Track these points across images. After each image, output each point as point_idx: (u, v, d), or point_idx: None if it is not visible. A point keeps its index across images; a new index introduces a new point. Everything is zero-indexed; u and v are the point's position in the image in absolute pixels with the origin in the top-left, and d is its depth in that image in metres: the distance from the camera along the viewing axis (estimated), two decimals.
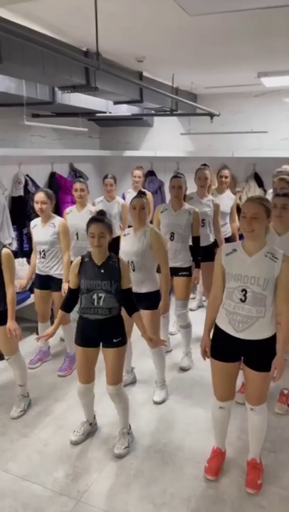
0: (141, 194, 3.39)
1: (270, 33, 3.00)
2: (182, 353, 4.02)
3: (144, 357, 3.72)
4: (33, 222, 3.83)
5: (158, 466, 2.75)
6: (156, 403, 3.39)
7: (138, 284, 3.19)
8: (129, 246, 3.23)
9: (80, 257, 2.79)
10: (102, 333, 2.75)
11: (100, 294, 2.67)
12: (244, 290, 2.29)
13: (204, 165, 4.50)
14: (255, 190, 5.65)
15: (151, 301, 3.26)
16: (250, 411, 2.51)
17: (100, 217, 2.76)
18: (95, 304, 2.68)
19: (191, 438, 3.00)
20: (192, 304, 5.16)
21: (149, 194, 5.35)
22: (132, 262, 3.19)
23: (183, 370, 3.91)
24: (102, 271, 2.69)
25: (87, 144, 6.32)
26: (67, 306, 2.88)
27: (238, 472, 2.67)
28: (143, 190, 4.24)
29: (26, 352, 3.84)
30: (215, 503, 2.45)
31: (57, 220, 3.75)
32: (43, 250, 3.73)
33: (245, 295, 2.29)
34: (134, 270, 3.19)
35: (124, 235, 3.32)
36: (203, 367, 3.82)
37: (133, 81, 3.13)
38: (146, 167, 6.21)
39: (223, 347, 2.44)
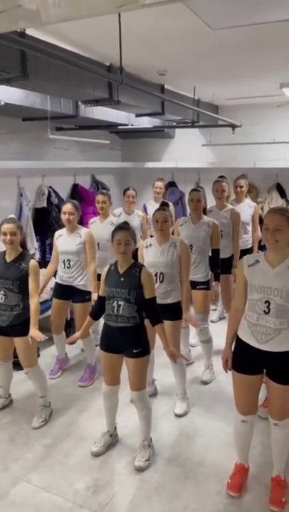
0: (164, 206, 3.41)
1: None
2: (203, 366, 3.98)
3: (166, 368, 3.69)
4: (57, 233, 3.89)
5: (179, 480, 2.71)
6: (178, 416, 3.36)
7: (164, 295, 3.19)
8: (154, 257, 3.23)
9: (108, 265, 2.85)
10: (123, 342, 2.76)
11: (119, 302, 2.69)
12: (267, 302, 2.27)
13: (221, 177, 4.52)
14: (277, 201, 5.60)
15: (175, 311, 3.25)
16: (273, 426, 2.46)
17: (125, 226, 2.82)
18: (115, 311, 2.71)
19: (213, 452, 2.95)
20: (213, 315, 5.12)
21: (170, 205, 5.37)
22: (162, 273, 3.19)
23: (204, 383, 3.86)
24: (122, 279, 2.72)
25: (109, 155, 6.40)
26: (95, 313, 2.94)
27: (261, 489, 2.61)
28: (166, 201, 4.25)
29: (45, 363, 3.87)
30: None
31: (83, 230, 3.81)
32: (68, 260, 3.77)
33: (268, 307, 2.26)
34: (162, 281, 3.20)
35: (146, 247, 3.32)
36: (225, 379, 3.77)
37: (155, 94, 3.16)
38: (168, 178, 6.23)
39: (245, 359, 2.41)
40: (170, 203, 5.15)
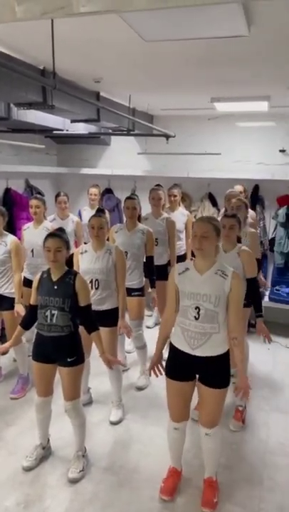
0: (99, 213, 3.41)
1: (222, 61, 3.14)
2: (138, 373, 4.00)
3: (102, 376, 3.67)
4: None
5: (114, 489, 2.69)
6: (113, 423, 3.34)
7: (100, 301, 3.18)
8: (90, 264, 3.21)
9: (40, 273, 2.77)
10: (57, 351, 2.70)
11: (52, 311, 2.63)
12: (197, 308, 2.33)
13: (158, 185, 4.61)
14: (209, 210, 5.81)
15: (112, 318, 3.25)
16: (204, 436, 2.51)
17: (57, 233, 2.76)
18: (48, 321, 2.64)
19: (148, 458, 2.98)
20: (149, 321, 5.18)
21: (106, 212, 5.37)
22: (97, 280, 3.17)
23: (139, 389, 3.89)
24: (56, 287, 2.66)
25: (44, 160, 6.26)
26: (26, 322, 2.85)
27: (194, 491, 2.67)
28: (101, 207, 4.25)
29: None
30: None
31: (9, 238, 3.67)
32: None
33: (198, 312, 2.33)
34: (97, 288, 3.17)
35: (82, 253, 3.29)
36: (160, 385, 3.82)
37: (90, 101, 3.16)
38: (104, 185, 6.23)
39: (178, 366, 2.45)
40: (106, 210, 5.16)
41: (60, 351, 2.69)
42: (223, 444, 2.67)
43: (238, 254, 3.11)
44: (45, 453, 2.95)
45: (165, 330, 2.54)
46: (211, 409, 2.45)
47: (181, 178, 5.66)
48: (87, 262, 3.23)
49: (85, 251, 3.29)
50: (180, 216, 4.95)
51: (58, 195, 4.95)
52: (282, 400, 3.81)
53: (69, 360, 2.68)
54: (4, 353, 3.15)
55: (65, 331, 2.66)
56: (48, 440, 2.99)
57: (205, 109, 5.22)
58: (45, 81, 2.85)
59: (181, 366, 2.44)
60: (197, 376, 2.45)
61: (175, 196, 4.98)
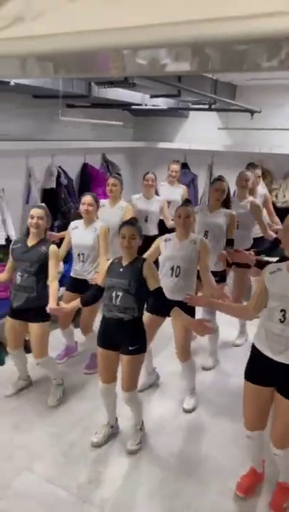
0: (186, 202, 3.37)
1: None
2: (208, 355, 3.98)
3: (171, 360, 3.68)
4: (73, 224, 3.73)
5: (182, 478, 2.71)
6: (186, 411, 3.34)
7: (177, 290, 3.08)
8: (174, 251, 3.15)
9: (112, 259, 2.85)
10: (120, 337, 2.73)
11: (118, 293, 2.67)
12: (283, 310, 2.17)
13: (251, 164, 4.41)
14: None
15: (186, 310, 3.16)
16: (274, 455, 2.39)
17: (132, 221, 2.82)
18: (113, 301, 2.69)
19: (217, 451, 2.95)
20: None
21: (184, 188, 5.25)
22: (179, 267, 3.12)
23: (206, 369, 3.90)
24: (124, 270, 2.71)
25: (120, 134, 6.19)
26: (89, 296, 2.91)
27: (269, 494, 2.57)
28: (188, 198, 4.08)
29: (52, 345, 3.77)
30: None
31: (98, 223, 3.66)
32: (82, 254, 3.65)
33: (284, 315, 2.17)
34: (177, 276, 3.12)
35: (166, 241, 3.21)
36: (232, 372, 3.77)
37: (170, 84, 2.99)
38: (180, 159, 6.03)
39: (258, 370, 2.33)
40: (184, 187, 5.08)
41: (123, 338, 2.72)
42: None
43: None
44: (114, 431, 3.05)
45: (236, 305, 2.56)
46: (285, 426, 2.28)
47: (263, 154, 5.31)
48: (171, 249, 3.16)
49: (170, 239, 3.21)
50: (257, 198, 4.65)
51: (146, 174, 4.74)
52: None
53: (130, 348, 2.71)
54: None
55: (128, 314, 2.67)
56: (116, 419, 3.07)
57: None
58: None
59: (261, 370, 2.31)
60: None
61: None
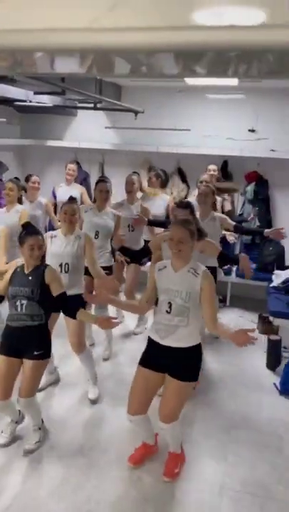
0: (72, 200, 3.42)
1: None
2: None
3: (67, 358, 3.68)
4: None
5: (84, 471, 2.74)
6: (92, 401, 3.40)
7: (68, 287, 3.12)
8: (61, 248, 3.22)
9: (15, 267, 2.78)
10: (26, 343, 2.70)
11: (22, 301, 2.65)
12: (169, 302, 2.43)
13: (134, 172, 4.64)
14: (179, 185, 5.76)
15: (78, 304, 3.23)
16: (160, 430, 2.61)
17: (35, 230, 2.79)
18: (18, 310, 2.66)
19: (118, 440, 3.04)
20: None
21: (81, 187, 5.29)
22: (67, 263, 3.19)
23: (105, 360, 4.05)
24: (28, 278, 2.70)
25: (6, 130, 5.96)
26: None
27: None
28: (74, 197, 4.10)
29: None
30: (138, 505, 2.51)
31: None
32: None
33: (170, 307, 2.42)
34: (66, 272, 3.18)
35: (52, 237, 3.27)
36: (130, 362, 3.89)
37: (51, 83, 2.99)
38: (71, 158, 6.03)
39: (150, 355, 2.55)
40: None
41: (28, 343, 2.70)
42: (184, 424, 2.75)
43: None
44: (20, 423, 2.98)
45: (132, 303, 2.79)
46: (171, 402, 2.49)
47: (151, 152, 5.55)
48: (57, 246, 3.24)
49: (55, 236, 3.30)
50: (160, 202, 4.90)
51: (30, 176, 4.73)
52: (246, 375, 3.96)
53: (36, 353, 2.69)
54: None
55: (34, 321, 2.68)
56: (20, 412, 2.97)
57: (175, 81, 5.08)
58: None
59: (152, 355, 2.54)
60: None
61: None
